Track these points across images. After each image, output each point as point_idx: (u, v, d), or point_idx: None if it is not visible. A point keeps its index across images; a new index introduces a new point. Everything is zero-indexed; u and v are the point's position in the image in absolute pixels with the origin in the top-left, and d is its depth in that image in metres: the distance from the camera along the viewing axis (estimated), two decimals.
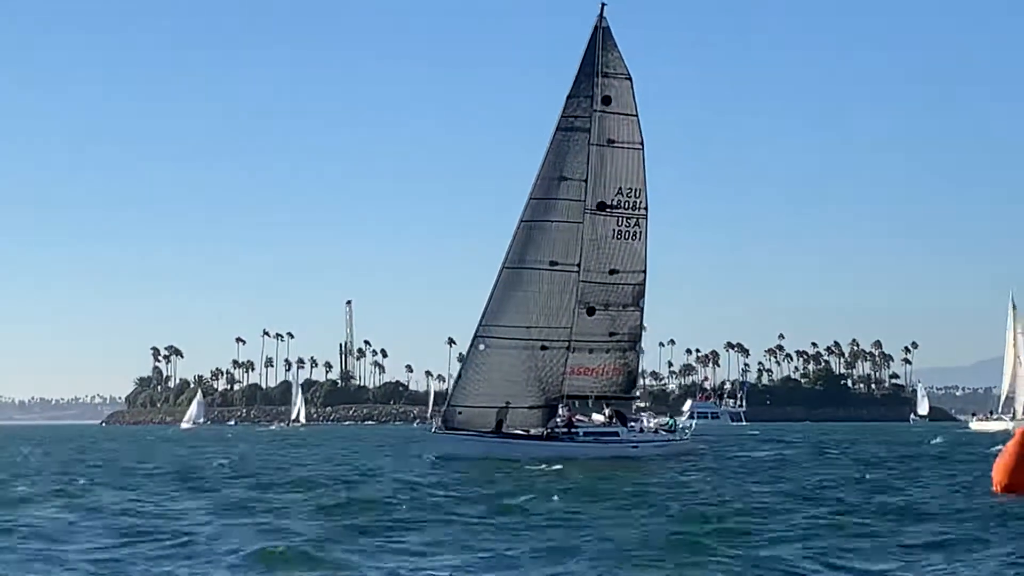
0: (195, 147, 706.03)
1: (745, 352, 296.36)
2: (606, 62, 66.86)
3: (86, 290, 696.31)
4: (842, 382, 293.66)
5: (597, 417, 68.20)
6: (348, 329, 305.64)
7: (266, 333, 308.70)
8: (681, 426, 71.05)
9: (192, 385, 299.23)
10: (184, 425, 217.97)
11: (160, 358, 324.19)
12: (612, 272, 67.45)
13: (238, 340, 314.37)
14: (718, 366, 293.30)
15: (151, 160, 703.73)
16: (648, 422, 69.64)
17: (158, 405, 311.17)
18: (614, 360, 68.29)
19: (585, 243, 66.60)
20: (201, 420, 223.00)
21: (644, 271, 68.15)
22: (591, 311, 67.43)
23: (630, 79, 67.35)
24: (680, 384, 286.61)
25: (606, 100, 66.93)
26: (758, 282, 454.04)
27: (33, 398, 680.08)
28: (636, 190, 67.42)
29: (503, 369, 65.59)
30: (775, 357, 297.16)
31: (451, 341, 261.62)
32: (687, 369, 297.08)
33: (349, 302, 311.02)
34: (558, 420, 66.31)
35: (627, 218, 67.38)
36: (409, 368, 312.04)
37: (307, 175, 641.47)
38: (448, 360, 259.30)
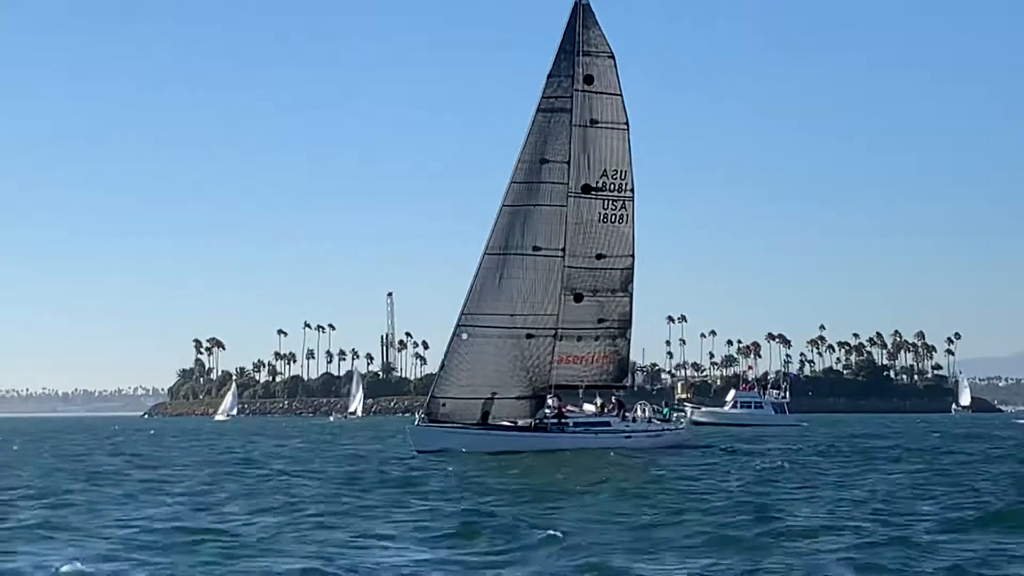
0: (238, 141, 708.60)
1: (787, 343, 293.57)
2: (587, 40, 64.67)
3: (130, 283, 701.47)
4: (884, 373, 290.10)
5: (588, 407, 66.22)
6: (389, 321, 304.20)
7: (307, 325, 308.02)
8: (676, 416, 68.52)
9: (234, 377, 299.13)
10: (218, 417, 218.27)
11: (202, 350, 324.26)
12: (599, 257, 65.34)
13: (280, 332, 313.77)
14: (759, 357, 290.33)
15: (195, 154, 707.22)
16: (642, 412, 67.57)
17: (200, 397, 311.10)
18: (604, 348, 66.22)
19: (570, 227, 64.51)
20: (234, 412, 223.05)
21: (632, 255, 65.91)
22: (578, 297, 65.37)
23: (613, 57, 65.10)
24: (722, 375, 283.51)
25: (588, 79, 64.77)
26: (799, 273, 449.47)
27: (76, 390, 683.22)
28: (621, 172, 65.25)
29: (487, 358, 63.54)
30: (817, 348, 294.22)
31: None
32: (728, 360, 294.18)
33: (390, 294, 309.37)
34: (547, 411, 64.34)
35: (613, 201, 65.23)
36: None
37: (349, 167, 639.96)
38: None
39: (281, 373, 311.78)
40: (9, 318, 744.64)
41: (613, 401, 66.13)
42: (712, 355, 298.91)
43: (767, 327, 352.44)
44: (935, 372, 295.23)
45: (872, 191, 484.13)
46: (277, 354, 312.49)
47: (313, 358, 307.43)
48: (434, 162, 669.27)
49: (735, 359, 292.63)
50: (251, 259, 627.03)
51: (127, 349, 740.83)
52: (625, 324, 66.57)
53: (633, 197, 65.57)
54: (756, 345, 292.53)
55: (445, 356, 64.87)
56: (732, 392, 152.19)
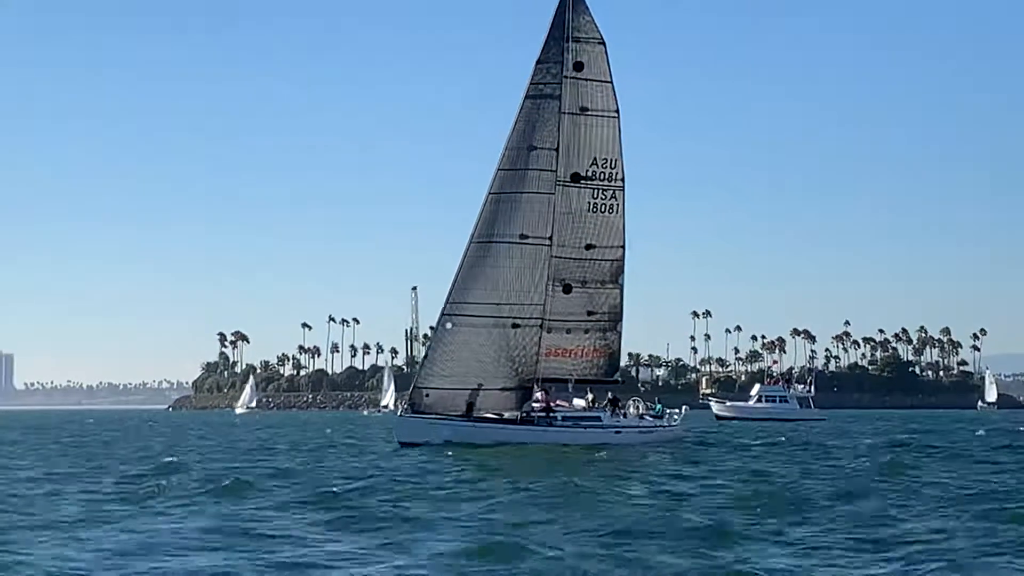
0: (265, 135, 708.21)
1: (812, 339, 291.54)
2: (577, 26, 63.46)
3: (155, 277, 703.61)
4: (910, 369, 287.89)
5: (578, 402, 64.88)
6: (414, 315, 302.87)
7: (332, 319, 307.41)
8: (669, 413, 66.99)
9: (258, 370, 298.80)
10: (238, 410, 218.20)
11: (227, 343, 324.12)
12: (588, 247, 64.14)
13: (304, 326, 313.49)
14: (784, 353, 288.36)
15: (218, 146, 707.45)
16: (634, 408, 66.19)
17: (224, 390, 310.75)
18: (594, 341, 64.97)
19: (559, 217, 63.32)
20: (253, 404, 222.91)
21: (623, 246, 64.67)
22: (567, 288, 64.18)
23: (603, 43, 63.92)
24: (747, 371, 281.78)
25: (578, 66, 63.57)
26: (824, 268, 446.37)
27: (101, 383, 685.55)
28: (612, 161, 64.02)
29: (472, 348, 62.38)
30: (842, 344, 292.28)
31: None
32: (753, 356, 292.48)
33: (415, 288, 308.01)
34: (534, 404, 63.06)
35: (603, 190, 64.00)
36: None
37: (373, 161, 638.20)
38: None
39: (305, 367, 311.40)
40: (35, 312, 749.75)
41: (608, 397, 64.71)
42: (737, 350, 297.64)
43: (792, 323, 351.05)
44: (960, 368, 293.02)
45: (898, 186, 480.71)
46: (301, 348, 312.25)
47: (337, 352, 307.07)
48: (461, 154, 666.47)
49: (760, 355, 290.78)
50: (276, 253, 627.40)
51: (152, 343, 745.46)
52: (616, 317, 65.27)
53: (623, 187, 64.34)
54: (781, 341, 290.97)
55: (429, 346, 63.83)
56: (757, 387, 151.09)
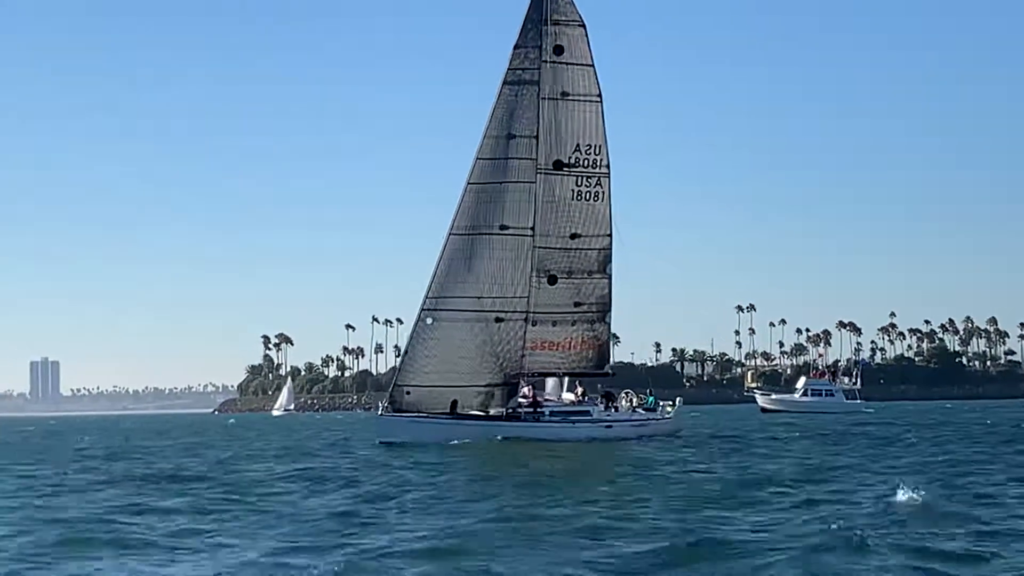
0: (303, 135, 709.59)
1: (857, 331, 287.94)
2: (556, 8, 61.67)
3: (199, 280, 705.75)
4: (957, 360, 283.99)
5: (567, 395, 62.97)
6: None
7: (375, 319, 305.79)
8: (663, 405, 64.83)
9: (303, 372, 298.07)
10: (275, 412, 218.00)
11: (271, 346, 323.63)
12: (574, 236, 62.29)
13: (348, 327, 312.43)
14: (829, 345, 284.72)
15: (262, 147, 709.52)
16: (627, 401, 64.17)
17: (269, 393, 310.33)
18: (581, 333, 63.06)
19: (542, 205, 61.48)
20: (291, 407, 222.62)
21: (609, 235, 62.76)
22: (552, 279, 62.29)
23: (584, 26, 62.12)
24: (792, 364, 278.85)
25: (558, 50, 61.71)
26: (868, 260, 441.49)
27: (147, 388, 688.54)
28: (596, 147, 62.15)
29: (453, 344, 60.58)
30: (888, 335, 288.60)
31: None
32: (798, 349, 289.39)
33: None
34: (521, 399, 61.15)
35: (587, 177, 62.12)
36: None
37: (415, 159, 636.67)
38: None
39: (350, 368, 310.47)
40: (79, 317, 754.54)
41: (580, 391, 62.76)
42: (782, 344, 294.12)
43: (837, 315, 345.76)
44: (1008, 358, 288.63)
45: (942, 176, 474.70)
46: (345, 349, 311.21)
47: (381, 352, 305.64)
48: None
49: (805, 348, 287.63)
50: (319, 254, 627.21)
51: (197, 346, 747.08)
52: (604, 308, 63.34)
53: (609, 173, 62.48)
54: (826, 333, 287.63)
55: (408, 342, 62.00)
56: (802, 379, 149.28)
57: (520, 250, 61.20)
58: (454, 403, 60.21)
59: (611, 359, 65.15)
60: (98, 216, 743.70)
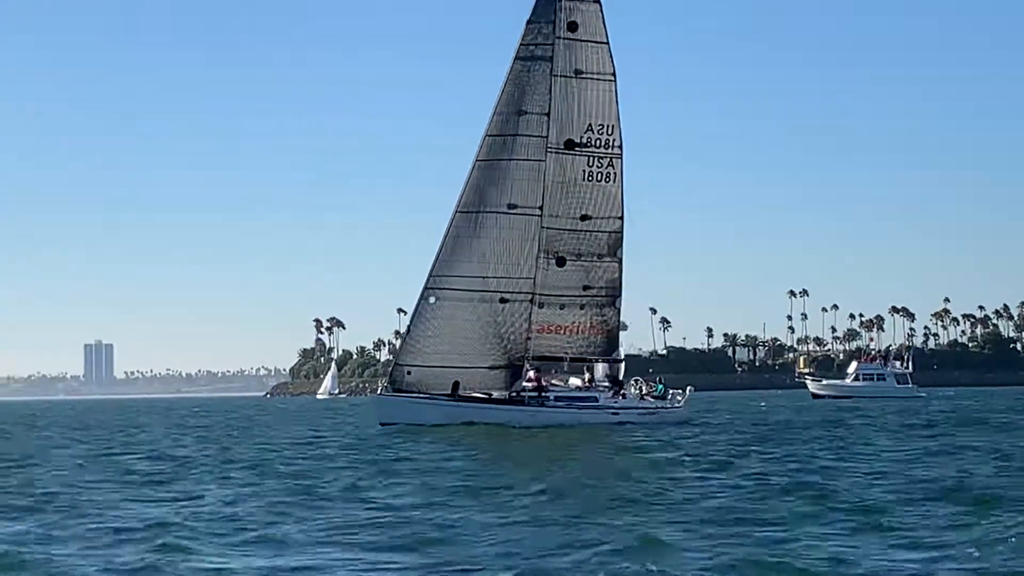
0: (353, 117, 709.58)
1: (910, 316, 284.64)
2: None
3: (252, 263, 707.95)
4: (1011, 346, 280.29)
5: (574, 381, 61.54)
6: None
7: None
8: (673, 393, 63.16)
9: (354, 356, 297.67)
10: (320, 396, 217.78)
11: (323, 330, 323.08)
12: (584, 218, 60.78)
13: (399, 311, 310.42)
14: (882, 331, 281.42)
15: (311, 131, 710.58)
16: (635, 389, 62.60)
17: (320, 376, 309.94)
18: (590, 317, 61.56)
19: (552, 186, 60.03)
20: (336, 391, 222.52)
21: (621, 217, 61.20)
22: (561, 261, 60.83)
23: (599, 2, 60.51)
24: (844, 349, 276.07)
25: (572, 26, 60.18)
26: (922, 244, 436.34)
27: (200, 371, 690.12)
28: (608, 126, 60.61)
29: (456, 324, 59.41)
30: (941, 321, 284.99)
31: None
32: (851, 334, 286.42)
33: None
34: (526, 383, 59.76)
35: (599, 158, 60.60)
36: None
37: (461, 142, 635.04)
38: None
39: None
40: (134, 301, 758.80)
41: (588, 377, 61.25)
42: (834, 329, 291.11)
43: (890, 300, 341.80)
44: None
45: (996, 158, 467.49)
46: (397, 333, 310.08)
47: None
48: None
49: (857, 333, 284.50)
50: (371, 238, 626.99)
51: (249, 329, 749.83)
52: (614, 292, 61.83)
53: (622, 155, 60.98)
54: (879, 319, 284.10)
55: (411, 321, 60.75)
56: (854, 364, 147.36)
57: (527, 230, 59.84)
58: (456, 384, 58.93)
59: (620, 344, 63.46)
60: (154, 200, 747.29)
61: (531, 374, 59.96)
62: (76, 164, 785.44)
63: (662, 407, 61.50)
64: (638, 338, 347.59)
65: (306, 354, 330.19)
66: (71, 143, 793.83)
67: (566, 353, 61.23)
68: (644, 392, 62.37)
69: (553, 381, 61.06)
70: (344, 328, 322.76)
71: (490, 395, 59.49)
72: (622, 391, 61.24)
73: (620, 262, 61.56)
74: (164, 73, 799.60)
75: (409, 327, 60.85)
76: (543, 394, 59.33)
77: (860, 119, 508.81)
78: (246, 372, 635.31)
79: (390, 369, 60.81)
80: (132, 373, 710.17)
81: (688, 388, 64.77)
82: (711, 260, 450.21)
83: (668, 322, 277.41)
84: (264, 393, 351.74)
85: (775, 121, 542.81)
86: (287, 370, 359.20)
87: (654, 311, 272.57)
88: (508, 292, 59.89)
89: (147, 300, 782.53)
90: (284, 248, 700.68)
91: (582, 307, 61.27)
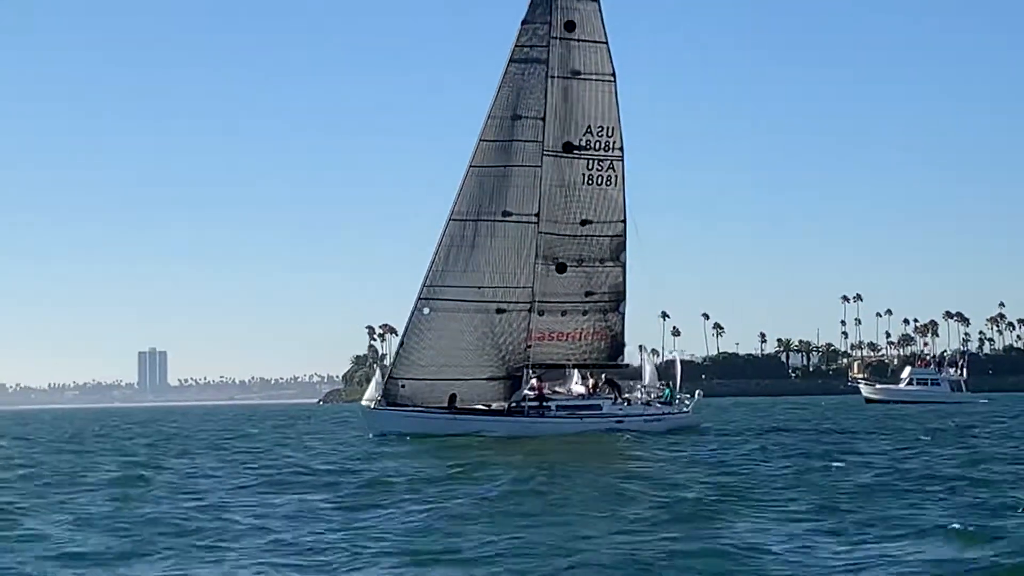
0: (400, 128, 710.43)
1: (965, 321, 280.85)
2: None
3: (305, 271, 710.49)
4: None
5: (577, 388, 59.85)
6: None
7: None
8: (680, 398, 61.38)
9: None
10: (364, 403, 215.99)
11: (375, 337, 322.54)
12: (584, 223, 59.12)
13: None
14: (937, 336, 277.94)
15: (360, 143, 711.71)
16: (643, 394, 60.87)
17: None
18: (593, 323, 59.95)
19: (550, 190, 58.39)
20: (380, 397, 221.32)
21: (623, 221, 59.53)
22: (561, 267, 59.21)
23: (597, 0, 58.77)
24: (899, 355, 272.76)
25: (569, 26, 58.52)
26: (976, 249, 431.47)
27: (253, 378, 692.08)
28: (608, 128, 58.93)
29: (451, 335, 57.76)
30: (997, 326, 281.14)
31: (664, 315, 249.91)
32: (905, 339, 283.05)
33: None
34: (528, 392, 58.11)
35: (599, 161, 58.94)
36: None
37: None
38: (662, 334, 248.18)
39: None
40: (188, 309, 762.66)
41: (593, 383, 59.61)
42: (888, 334, 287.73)
43: (944, 305, 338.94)
44: None
45: None
46: None
47: None
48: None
49: (912, 338, 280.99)
50: (422, 245, 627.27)
51: (303, 337, 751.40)
52: (618, 297, 60.21)
53: (622, 157, 59.31)
54: (933, 324, 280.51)
55: (404, 333, 59.15)
56: (908, 369, 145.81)
57: (523, 238, 58.24)
58: (452, 396, 57.43)
59: (624, 350, 61.67)
60: (208, 210, 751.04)
61: (533, 382, 58.37)
62: (129, 173, 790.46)
63: (669, 413, 59.74)
64: (691, 344, 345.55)
65: (359, 361, 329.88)
66: (124, 151, 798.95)
67: (568, 360, 59.67)
68: (651, 398, 60.68)
69: (556, 389, 59.41)
70: (396, 335, 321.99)
71: (489, 407, 57.88)
72: (624, 396, 59.68)
73: (623, 266, 59.91)
74: (238, 84, 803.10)
75: (402, 339, 59.19)
76: (544, 403, 57.68)
77: (913, 124, 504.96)
78: (299, 379, 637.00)
79: (384, 382, 58.96)
80: (185, 380, 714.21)
81: (697, 392, 63.08)
82: (765, 265, 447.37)
83: (721, 328, 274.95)
84: (317, 400, 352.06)
85: (820, 124, 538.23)
86: (340, 377, 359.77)
87: (707, 317, 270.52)
88: (505, 302, 58.27)
89: (201, 308, 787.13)
90: (338, 255, 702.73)
91: (584, 313, 59.69)
